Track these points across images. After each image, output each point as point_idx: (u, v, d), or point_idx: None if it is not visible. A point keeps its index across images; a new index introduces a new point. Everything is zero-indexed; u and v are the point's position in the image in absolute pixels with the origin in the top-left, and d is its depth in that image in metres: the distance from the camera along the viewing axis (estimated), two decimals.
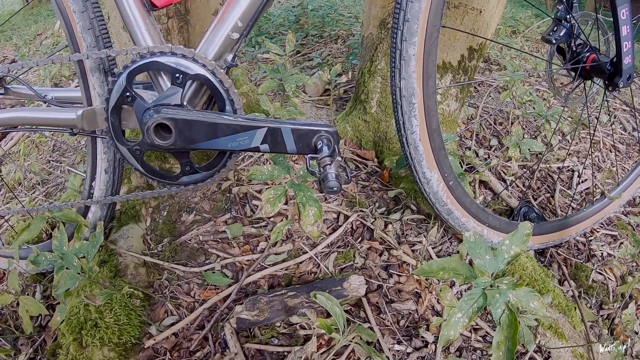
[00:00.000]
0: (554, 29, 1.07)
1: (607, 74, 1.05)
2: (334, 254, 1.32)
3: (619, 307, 1.25)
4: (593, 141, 1.80)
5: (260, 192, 1.51)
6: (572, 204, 1.52)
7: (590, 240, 1.42)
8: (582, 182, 1.58)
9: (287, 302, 1.15)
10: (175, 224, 1.38)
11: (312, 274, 1.28)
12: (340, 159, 0.78)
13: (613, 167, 1.67)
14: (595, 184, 1.58)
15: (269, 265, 1.30)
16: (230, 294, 1.21)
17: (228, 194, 1.48)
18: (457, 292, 1.22)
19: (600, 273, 1.33)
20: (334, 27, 2.66)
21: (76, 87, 1.08)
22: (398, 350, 1.10)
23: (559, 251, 1.37)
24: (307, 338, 1.12)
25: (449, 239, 1.35)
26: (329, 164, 0.78)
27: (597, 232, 1.44)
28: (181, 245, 1.34)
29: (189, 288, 1.24)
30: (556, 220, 1.31)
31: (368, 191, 1.55)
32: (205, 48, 0.91)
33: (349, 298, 1.19)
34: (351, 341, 0.96)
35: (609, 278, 1.32)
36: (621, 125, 1.94)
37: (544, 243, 1.30)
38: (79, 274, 0.96)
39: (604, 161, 1.68)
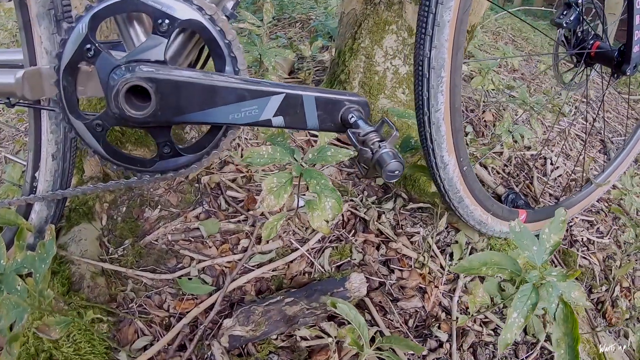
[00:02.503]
0: (564, 13, 1.03)
1: (614, 62, 1.04)
2: (328, 250, 1.17)
3: (606, 291, 1.27)
4: (567, 130, 1.85)
5: (234, 181, 1.32)
6: (549, 190, 1.52)
7: (571, 225, 1.43)
8: (555, 169, 1.60)
9: (285, 310, 0.99)
10: (138, 222, 1.15)
11: (306, 274, 1.13)
12: (397, 132, 0.63)
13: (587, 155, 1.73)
14: (574, 172, 1.61)
15: (254, 266, 1.12)
16: (213, 304, 1.02)
17: (197, 184, 1.26)
18: (462, 285, 1.15)
19: (585, 258, 1.34)
20: (292, 10, 2.48)
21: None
22: (413, 354, 1.00)
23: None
24: (311, 351, 0.97)
25: (446, 229, 1.27)
26: (381, 140, 0.64)
27: (576, 218, 1.46)
28: (146, 247, 1.11)
29: (160, 300, 1.02)
30: (547, 207, 1.29)
31: (354, 179, 1.42)
32: None
33: (352, 299, 1.06)
34: (380, 354, 0.82)
35: (593, 263, 1.33)
36: (582, 116, 2.02)
37: (538, 230, 1.27)
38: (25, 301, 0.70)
39: (571, 149, 1.72)
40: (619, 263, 1.28)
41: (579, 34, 1.05)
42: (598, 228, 1.45)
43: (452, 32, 0.82)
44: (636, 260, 1.32)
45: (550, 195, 1.52)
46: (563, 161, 1.62)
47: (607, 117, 2.11)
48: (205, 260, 1.11)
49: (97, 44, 0.68)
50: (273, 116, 0.71)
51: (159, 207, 1.19)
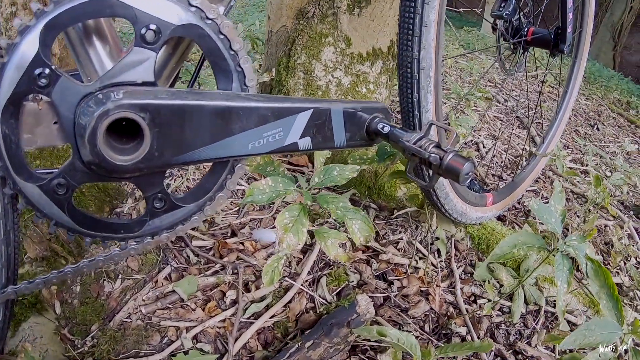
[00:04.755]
0: (502, 5, 1.10)
1: (552, 43, 1.14)
2: (323, 279, 1.09)
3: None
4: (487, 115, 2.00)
5: (195, 228, 1.16)
6: (491, 171, 1.63)
7: (521, 199, 1.54)
8: (488, 150, 1.72)
9: (310, 356, 0.89)
10: (99, 300, 0.94)
11: (311, 311, 1.03)
12: (457, 133, 0.59)
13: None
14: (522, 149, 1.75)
15: (251, 317, 0.99)
16: None
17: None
18: (459, 277, 1.15)
19: (541, 223, 1.45)
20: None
21: None
22: (442, 357, 0.96)
23: (506, 214, 1.44)
24: None
25: (422, 229, 1.27)
26: (436, 144, 0.59)
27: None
28: (120, 328, 0.92)
29: None
30: (506, 186, 1.37)
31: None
32: None
33: (366, 323, 0.99)
34: None
35: None
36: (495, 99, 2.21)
37: (503, 208, 1.34)
38: None
39: (495, 131, 1.87)
40: (575, 220, 1.41)
41: (515, 23, 1.13)
42: (542, 194, 1.58)
43: (436, 31, 0.81)
44: (599, 215, 1.47)
45: (493, 175, 1.62)
46: (492, 142, 1.75)
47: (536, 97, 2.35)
48: (194, 327, 0.95)
49: (52, 67, 0.51)
50: (299, 138, 0.60)
51: (120, 276, 1.00)
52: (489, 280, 1.05)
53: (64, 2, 0.50)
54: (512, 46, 1.18)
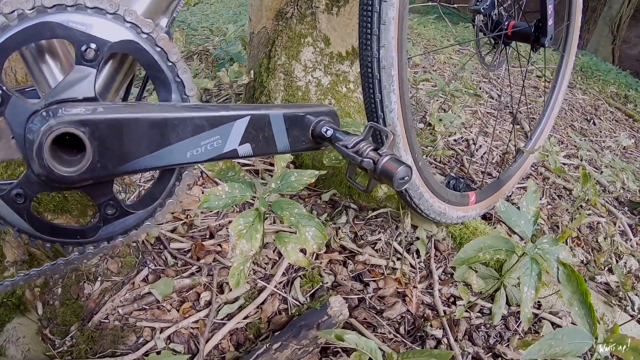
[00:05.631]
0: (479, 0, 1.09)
1: (532, 36, 1.11)
2: (297, 281, 1.09)
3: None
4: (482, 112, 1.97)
5: (174, 230, 1.18)
6: (481, 169, 1.61)
7: (510, 196, 1.51)
8: (479, 147, 1.69)
9: (277, 358, 0.89)
10: (79, 302, 0.97)
11: (283, 313, 1.04)
12: (393, 135, 0.58)
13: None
14: (506, 146, 1.72)
15: (224, 319, 1.00)
16: None
17: (134, 244, 1.10)
18: (438, 278, 1.14)
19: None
20: (188, 43, 2.34)
21: None
22: None
23: (492, 213, 1.42)
24: None
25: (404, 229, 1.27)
26: (374, 148, 0.59)
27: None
28: (97, 328, 0.95)
29: None
30: (490, 184, 1.35)
31: (298, 200, 1.35)
32: (128, 1, 0.59)
33: (338, 325, 1.00)
34: None
35: (541, 223, 1.41)
36: (488, 95, 2.17)
37: (488, 207, 1.32)
38: None
39: (487, 127, 1.84)
40: (565, 217, 1.38)
41: (495, 17, 1.11)
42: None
43: (396, 29, 0.80)
44: (587, 213, 1.44)
45: (482, 172, 1.60)
46: (484, 139, 1.72)
47: (521, 92, 2.30)
48: (168, 327, 0.97)
49: (4, 88, 0.54)
50: (239, 145, 0.61)
51: (99, 279, 1.02)
52: (464, 282, 1.03)
53: (8, 29, 0.52)
54: (492, 41, 1.16)
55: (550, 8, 1.08)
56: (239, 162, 1.30)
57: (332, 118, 0.68)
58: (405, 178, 0.56)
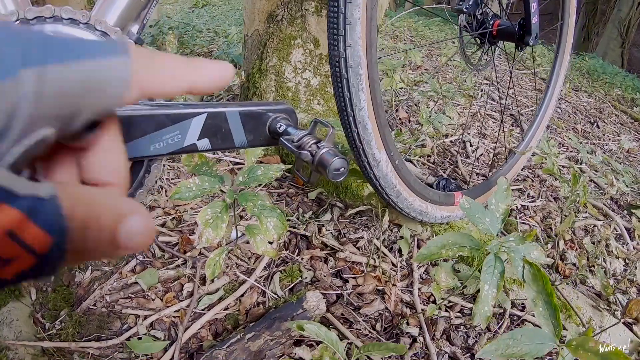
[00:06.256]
0: None
1: (516, 35, 1.11)
2: (277, 275, 1.12)
3: (552, 248, 1.34)
4: (474, 111, 1.96)
5: (164, 225, 1.23)
6: (475, 170, 1.60)
7: None
8: (476, 149, 1.68)
9: (249, 347, 0.92)
10: (70, 289, 1.03)
11: (261, 305, 1.07)
12: (333, 129, 0.61)
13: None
14: (495, 147, 1.71)
15: (204, 309, 1.04)
16: (170, 359, 0.92)
17: None
18: (418, 277, 1.15)
19: (524, 223, 1.41)
20: (192, 45, 2.42)
21: None
22: (390, 356, 0.97)
23: None
24: None
25: (388, 227, 1.28)
26: (317, 141, 0.61)
27: None
28: (85, 314, 1.00)
29: None
30: (478, 185, 1.35)
31: (285, 198, 1.38)
32: (102, 12, 0.65)
33: (314, 319, 1.02)
34: None
35: (533, 225, 1.40)
36: (489, 96, 2.16)
37: None
38: None
39: (486, 129, 1.83)
40: (558, 220, 1.36)
41: (479, 16, 1.12)
42: (529, 193, 1.54)
43: (363, 29, 0.83)
44: (576, 215, 1.42)
45: (477, 174, 1.59)
46: (481, 141, 1.71)
47: (512, 92, 2.29)
48: (151, 315, 1.01)
49: None
50: (198, 139, 0.65)
51: (90, 268, 1.07)
52: (437, 282, 1.04)
53: None
54: (477, 40, 1.16)
55: (533, 6, 1.08)
56: (214, 158, 1.33)
57: (289, 115, 0.71)
58: (341, 169, 0.58)
